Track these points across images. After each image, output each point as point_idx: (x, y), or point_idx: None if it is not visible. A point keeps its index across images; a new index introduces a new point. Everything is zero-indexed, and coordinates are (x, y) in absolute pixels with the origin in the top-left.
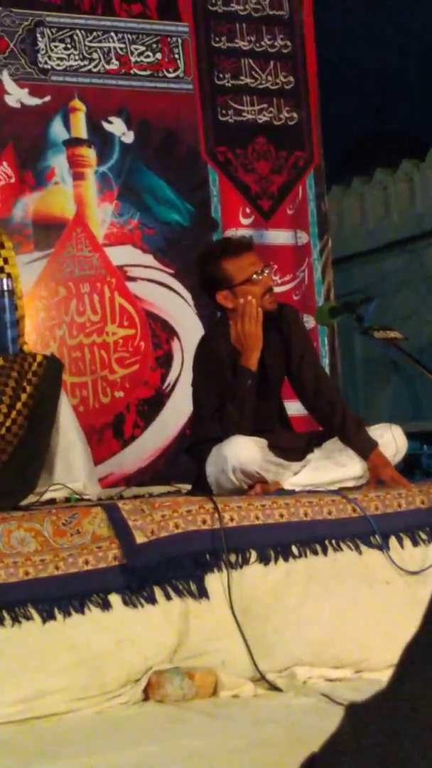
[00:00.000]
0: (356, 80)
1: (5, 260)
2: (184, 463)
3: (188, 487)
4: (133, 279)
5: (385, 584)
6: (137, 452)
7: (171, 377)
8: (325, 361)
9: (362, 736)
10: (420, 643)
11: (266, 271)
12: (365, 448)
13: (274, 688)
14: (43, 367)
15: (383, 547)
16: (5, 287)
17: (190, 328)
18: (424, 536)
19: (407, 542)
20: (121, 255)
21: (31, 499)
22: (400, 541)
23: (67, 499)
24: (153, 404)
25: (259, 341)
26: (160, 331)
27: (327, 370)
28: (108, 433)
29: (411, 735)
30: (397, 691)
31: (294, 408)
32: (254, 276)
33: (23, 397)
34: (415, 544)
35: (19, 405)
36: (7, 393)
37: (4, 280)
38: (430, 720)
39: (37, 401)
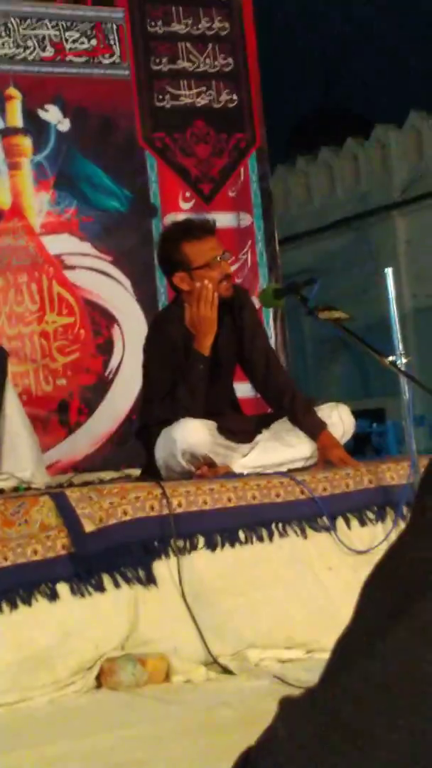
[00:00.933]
0: (299, 58)
1: None
2: (133, 448)
3: (138, 472)
4: (71, 267)
5: (333, 564)
6: (84, 438)
7: (113, 363)
8: (273, 342)
9: (293, 734)
10: (351, 636)
11: (225, 257)
12: (314, 429)
13: (226, 671)
14: None
15: (331, 528)
16: None
17: (130, 315)
18: (371, 516)
19: (354, 523)
20: (58, 244)
21: None
22: (347, 522)
23: (16, 489)
24: (96, 390)
25: (214, 326)
26: (100, 318)
27: (275, 350)
28: (53, 420)
29: (341, 735)
30: (328, 687)
31: (243, 390)
32: (213, 261)
33: None
34: (362, 524)
35: None
36: None
37: None
38: (360, 719)
39: None
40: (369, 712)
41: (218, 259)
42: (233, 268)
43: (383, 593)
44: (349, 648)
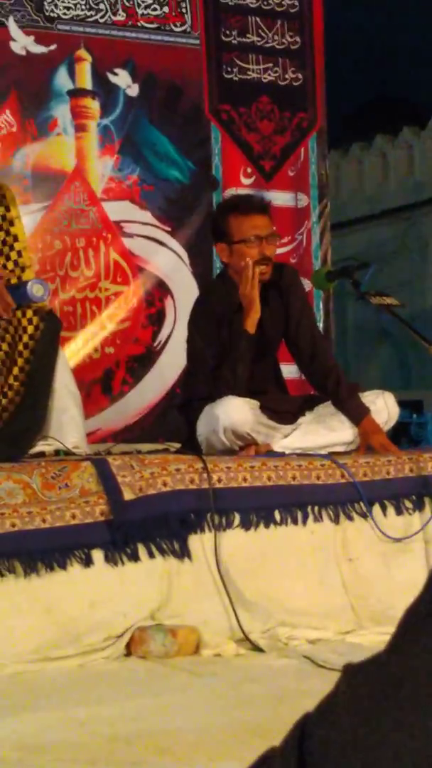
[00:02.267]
0: (360, 46)
1: (11, 222)
2: (173, 422)
3: (176, 445)
4: (129, 235)
5: (364, 552)
6: (125, 409)
7: (162, 335)
8: (320, 326)
9: (358, 698)
10: (420, 607)
11: (271, 240)
12: (357, 414)
13: (256, 648)
14: (41, 331)
15: (368, 514)
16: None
17: (184, 287)
18: (409, 505)
19: (391, 510)
20: (118, 210)
21: None
22: (384, 509)
23: (57, 453)
24: (143, 362)
25: (254, 305)
26: (154, 288)
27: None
28: (96, 388)
29: (407, 700)
30: (394, 655)
31: (289, 370)
32: (251, 238)
33: (20, 362)
34: (399, 512)
35: (15, 370)
36: (1, 358)
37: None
38: (426, 686)
39: (34, 367)
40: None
41: (258, 238)
42: (288, 247)
43: None
44: (417, 618)
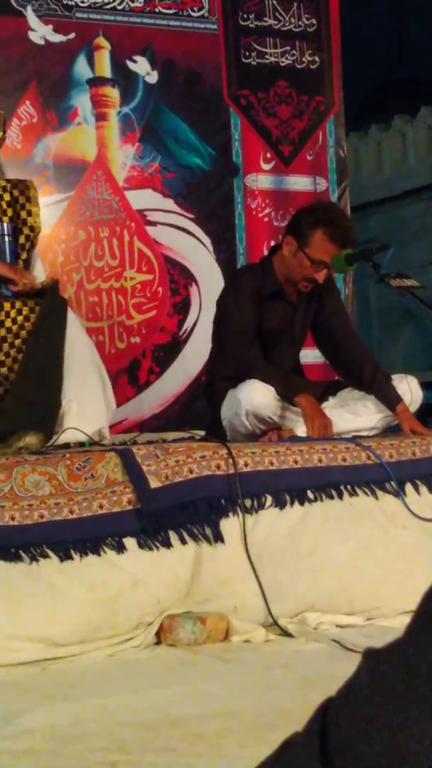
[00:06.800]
0: (376, 25)
1: (29, 212)
2: (199, 410)
3: (201, 433)
4: (152, 223)
5: (402, 529)
6: (152, 398)
7: (188, 323)
8: None
9: (381, 681)
10: None
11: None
12: (396, 398)
13: (285, 633)
14: (44, 299)
15: (399, 493)
16: (5, 231)
17: (208, 274)
18: None
19: (423, 489)
20: (141, 199)
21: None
22: (416, 487)
23: (81, 444)
24: (169, 350)
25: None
26: (179, 276)
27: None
28: (123, 378)
29: (423, 682)
30: (415, 639)
31: (315, 356)
32: (320, 261)
33: (27, 326)
34: None
35: (23, 334)
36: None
37: (5, 225)
38: None
39: (37, 328)
40: None
41: (325, 265)
42: None
43: None
44: None
